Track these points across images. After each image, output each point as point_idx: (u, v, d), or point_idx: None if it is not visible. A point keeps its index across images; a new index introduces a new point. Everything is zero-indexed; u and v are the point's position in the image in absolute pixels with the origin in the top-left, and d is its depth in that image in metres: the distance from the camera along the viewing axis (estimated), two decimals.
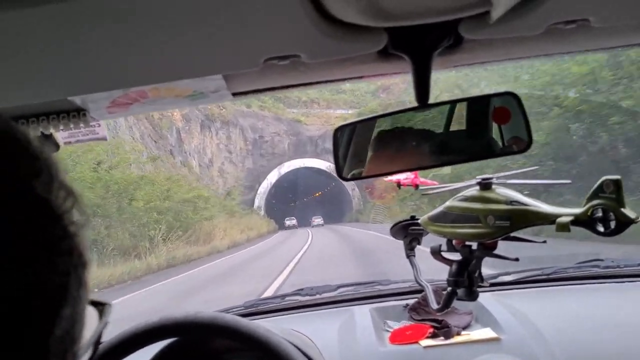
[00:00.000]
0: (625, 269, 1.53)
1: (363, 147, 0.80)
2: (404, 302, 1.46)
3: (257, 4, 0.50)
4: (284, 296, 1.71)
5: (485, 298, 1.36)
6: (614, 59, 10.67)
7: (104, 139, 0.91)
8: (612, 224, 0.67)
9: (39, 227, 0.30)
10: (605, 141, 11.54)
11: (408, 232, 1.04)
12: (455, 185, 0.96)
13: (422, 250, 1.02)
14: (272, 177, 39.80)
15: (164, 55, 0.60)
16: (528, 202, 0.77)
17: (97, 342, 0.39)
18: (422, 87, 0.68)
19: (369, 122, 0.79)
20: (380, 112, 0.78)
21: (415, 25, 0.58)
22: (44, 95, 0.71)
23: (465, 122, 0.78)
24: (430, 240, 0.98)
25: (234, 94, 0.81)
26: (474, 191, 0.85)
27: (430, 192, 1.22)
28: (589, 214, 0.69)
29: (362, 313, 1.44)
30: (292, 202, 51.58)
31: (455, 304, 1.01)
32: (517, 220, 0.77)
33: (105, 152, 17.29)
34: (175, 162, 28.74)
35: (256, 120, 40.15)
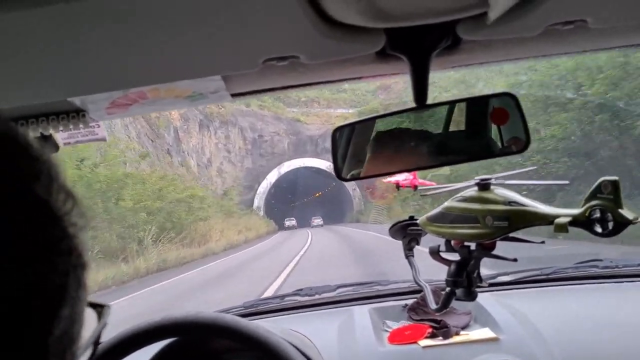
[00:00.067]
0: (624, 269, 1.54)
1: (362, 147, 0.80)
2: (403, 302, 1.46)
3: (255, 5, 0.50)
4: (283, 296, 1.71)
5: (484, 298, 1.36)
6: None
7: (104, 139, 0.92)
8: (610, 225, 0.68)
9: (38, 228, 0.31)
10: (629, 139, 10.85)
11: (407, 233, 1.04)
12: (453, 186, 0.96)
13: (421, 251, 1.03)
14: (272, 177, 39.55)
15: (163, 56, 0.60)
16: (526, 202, 0.78)
17: (96, 342, 0.39)
18: (420, 87, 0.69)
19: (367, 123, 0.79)
20: (379, 113, 0.78)
21: (413, 26, 0.58)
22: (44, 96, 0.71)
23: (463, 123, 0.78)
24: (429, 240, 0.98)
25: (233, 95, 0.81)
26: (473, 192, 0.85)
27: (429, 193, 1.22)
28: (587, 214, 0.69)
29: (361, 313, 1.44)
30: (292, 202, 51.38)
31: (454, 304, 1.01)
32: (516, 220, 0.77)
33: (93, 149, 16.12)
34: (173, 162, 28.36)
35: (255, 120, 39.88)
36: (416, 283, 1.07)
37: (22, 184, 0.31)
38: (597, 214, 0.69)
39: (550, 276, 1.56)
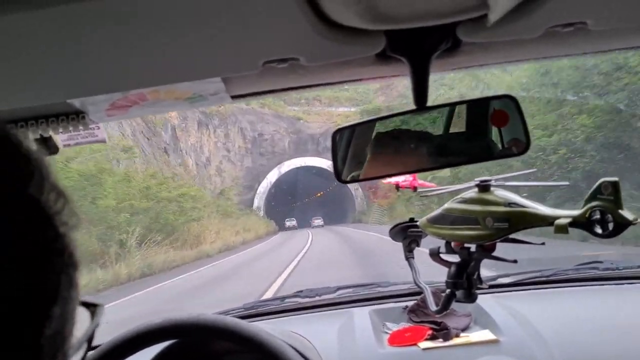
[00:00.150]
0: (624, 271, 1.54)
1: (362, 149, 0.80)
2: (403, 304, 1.46)
3: (256, 7, 0.50)
4: (283, 298, 1.71)
5: (484, 300, 1.36)
6: None
7: (104, 141, 0.92)
8: (610, 226, 0.68)
9: (31, 228, 0.31)
10: None
11: (407, 234, 1.04)
12: (453, 187, 0.96)
13: (422, 252, 1.02)
14: (272, 177, 39.19)
15: (163, 58, 0.60)
16: (526, 204, 0.78)
17: (90, 341, 0.39)
18: (420, 89, 0.69)
19: (367, 125, 0.79)
20: (379, 115, 0.78)
21: (413, 28, 0.58)
22: (44, 97, 0.71)
23: (464, 125, 0.78)
24: (430, 242, 0.98)
25: (233, 97, 0.81)
26: (473, 193, 0.85)
27: (429, 194, 1.22)
28: (587, 215, 0.69)
29: (361, 315, 1.44)
30: (293, 202, 51.13)
31: (454, 305, 1.01)
32: (516, 222, 0.77)
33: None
34: (170, 161, 27.85)
35: (256, 118, 39.50)
36: (416, 285, 1.06)
37: (16, 184, 0.31)
38: (597, 215, 0.68)
39: (550, 278, 1.56)
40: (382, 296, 1.59)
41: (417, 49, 0.65)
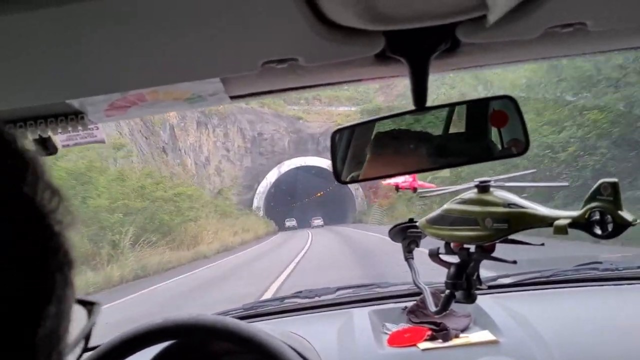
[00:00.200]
0: (624, 271, 1.54)
1: (361, 150, 0.80)
2: (403, 305, 1.46)
3: (255, 7, 0.50)
4: (282, 298, 1.71)
5: (484, 300, 1.36)
6: None
7: (102, 141, 0.92)
8: (610, 227, 0.68)
9: (25, 227, 0.31)
10: None
11: (406, 235, 1.04)
12: (453, 188, 0.96)
13: (421, 252, 1.02)
14: (272, 176, 39.01)
15: (163, 59, 0.60)
16: (526, 204, 0.78)
17: (86, 340, 0.39)
18: (419, 90, 0.69)
19: (367, 125, 0.79)
20: (378, 115, 0.78)
21: (412, 28, 0.58)
22: (42, 98, 0.71)
23: (463, 125, 0.78)
24: (429, 242, 0.98)
25: (232, 97, 0.81)
26: (472, 194, 0.85)
27: (428, 195, 1.22)
28: (586, 216, 0.69)
29: (361, 315, 1.44)
30: (293, 202, 51.03)
31: (454, 306, 1.01)
32: (515, 222, 0.77)
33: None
34: (168, 160, 27.57)
35: (255, 117, 39.28)
36: (416, 285, 1.06)
37: (10, 182, 0.31)
38: (597, 216, 0.68)
39: (550, 278, 1.56)
40: (382, 297, 1.59)
41: (416, 49, 0.65)
